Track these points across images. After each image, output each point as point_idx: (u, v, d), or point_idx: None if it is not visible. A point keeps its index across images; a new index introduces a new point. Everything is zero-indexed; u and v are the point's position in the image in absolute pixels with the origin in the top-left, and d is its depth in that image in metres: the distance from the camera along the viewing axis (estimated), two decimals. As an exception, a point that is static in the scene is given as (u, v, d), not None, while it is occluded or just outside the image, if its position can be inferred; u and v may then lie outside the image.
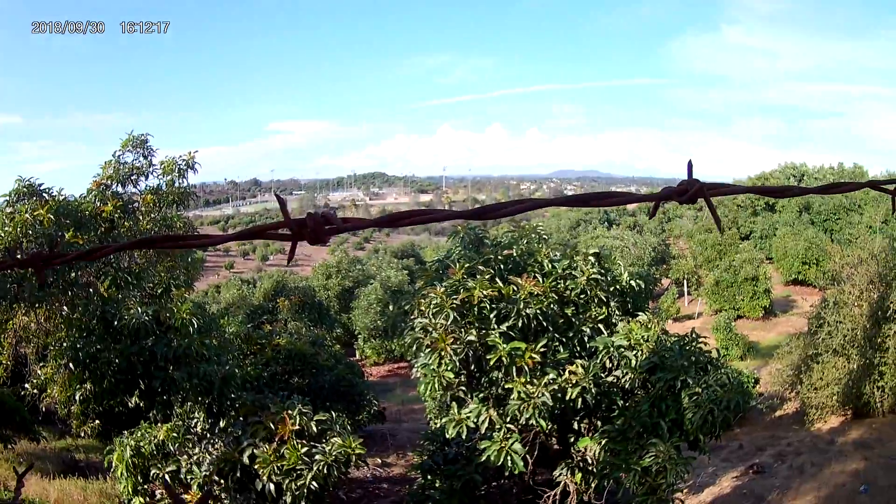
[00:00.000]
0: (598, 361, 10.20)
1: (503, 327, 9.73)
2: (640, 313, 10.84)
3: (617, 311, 10.79)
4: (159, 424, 11.78)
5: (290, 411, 11.46)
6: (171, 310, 12.20)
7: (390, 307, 37.34)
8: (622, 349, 10.17)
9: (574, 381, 9.73)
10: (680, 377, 9.88)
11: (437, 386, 9.77)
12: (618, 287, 10.89)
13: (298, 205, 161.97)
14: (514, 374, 9.59)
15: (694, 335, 10.90)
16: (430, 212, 1.29)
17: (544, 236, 11.45)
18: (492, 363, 9.60)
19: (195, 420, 12.08)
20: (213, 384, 11.76)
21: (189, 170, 14.60)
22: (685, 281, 54.32)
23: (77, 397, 12.07)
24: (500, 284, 9.93)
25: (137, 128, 21.53)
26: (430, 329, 9.75)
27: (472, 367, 10.23)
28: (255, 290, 38.69)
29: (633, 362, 10.13)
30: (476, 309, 9.72)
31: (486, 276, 9.96)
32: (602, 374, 10.28)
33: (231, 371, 12.30)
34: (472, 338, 9.62)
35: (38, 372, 13.30)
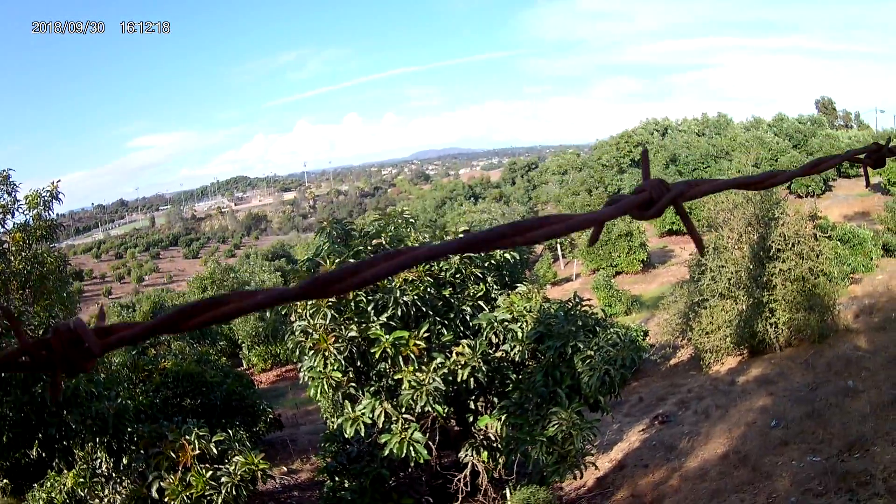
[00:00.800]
0: (484, 338, 10.25)
1: (383, 318, 9.63)
2: (518, 285, 10.95)
3: (495, 286, 10.88)
4: (65, 472, 11.34)
5: (187, 437, 11.22)
6: (53, 350, 11.63)
7: (268, 312, 37.05)
8: (506, 323, 10.24)
9: (463, 362, 9.76)
10: (570, 343, 10.02)
11: (325, 387, 9.60)
12: (492, 262, 10.94)
13: (166, 219, 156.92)
14: (402, 363, 9.53)
15: (577, 299, 11.07)
16: (230, 299, 0.71)
17: (411, 220, 11.37)
18: (377, 356, 9.49)
19: (98, 461, 11.65)
20: (107, 421, 11.35)
21: (54, 200, 13.92)
22: (558, 245, 55.21)
23: (-19, 457, 11.46)
24: (374, 275, 9.84)
25: (3, 163, 20.32)
26: (311, 330, 9.56)
27: (359, 363, 10.10)
28: (135, 314, 37.80)
29: (520, 334, 10.21)
30: (353, 304, 9.58)
31: (359, 269, 9.84)
32: (490, 351, 10.34)
33: (122, 404, 11.87)
34: (353, 333, 9.48)
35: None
